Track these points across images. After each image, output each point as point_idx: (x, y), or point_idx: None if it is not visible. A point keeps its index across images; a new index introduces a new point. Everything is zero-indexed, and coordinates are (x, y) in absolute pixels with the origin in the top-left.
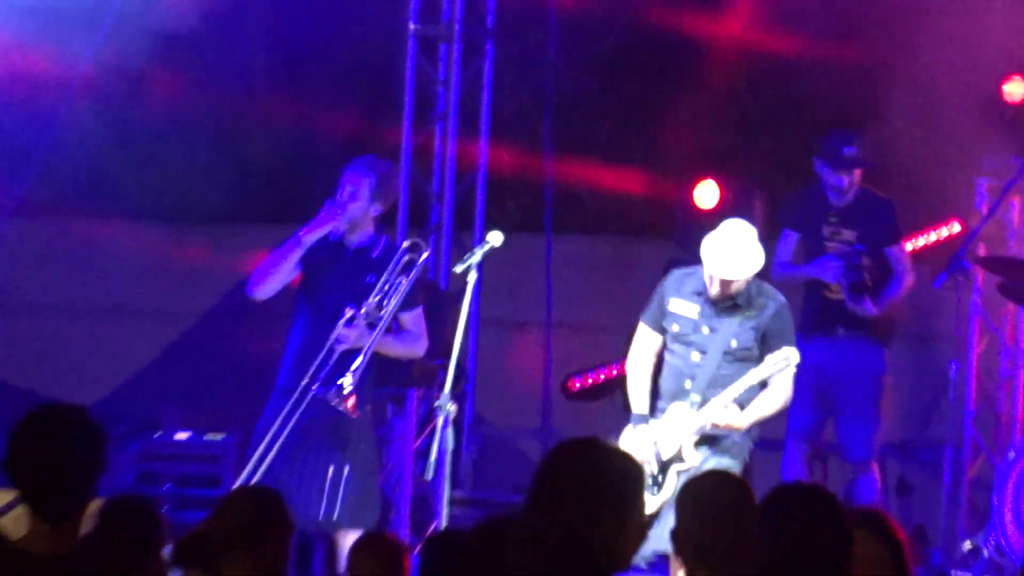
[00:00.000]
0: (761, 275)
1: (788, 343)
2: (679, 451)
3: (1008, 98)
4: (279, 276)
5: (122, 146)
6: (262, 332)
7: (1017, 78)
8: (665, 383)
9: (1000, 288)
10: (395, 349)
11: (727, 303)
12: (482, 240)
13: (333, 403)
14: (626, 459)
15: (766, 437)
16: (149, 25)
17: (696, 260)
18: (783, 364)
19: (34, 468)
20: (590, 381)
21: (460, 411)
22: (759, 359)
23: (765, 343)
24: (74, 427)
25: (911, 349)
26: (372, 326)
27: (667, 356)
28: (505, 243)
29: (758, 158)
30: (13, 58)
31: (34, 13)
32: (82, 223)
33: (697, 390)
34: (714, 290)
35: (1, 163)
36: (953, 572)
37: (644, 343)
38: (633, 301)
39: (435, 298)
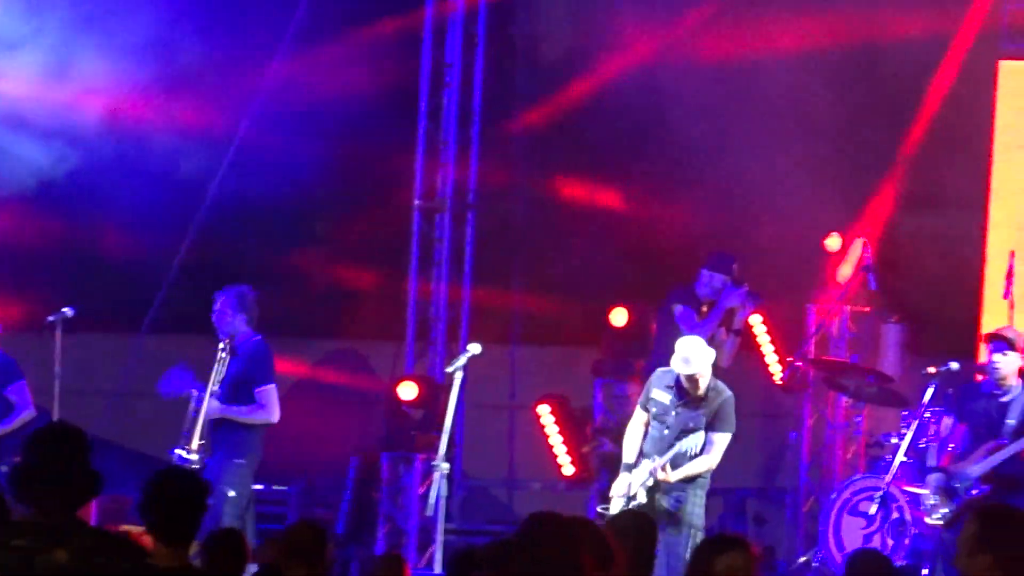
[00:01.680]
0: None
1: (727, 428)
2: (637, 491)
3: (827, 249)
4: None
5: None
6: None
7: (835, 235)
8: (646, 446)
9: (824, 381)
10: (242, 417)
11: (696, 395)
12: (465, 349)
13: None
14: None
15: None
16: None
17: (615, 365)
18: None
19: (163, 510)
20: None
21: (451, 467)
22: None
23: (711, 425)
24: (191, 483)
25: (764, 422)
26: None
27: (650, 430)
28: (483, 352)
29: (656, 290)
30: None
31: None
32: None
33: (659, 453)
34: (687, 384)
35: None
36: None
37: (638, 419)
38: (574, 390)
39: (433, 389)
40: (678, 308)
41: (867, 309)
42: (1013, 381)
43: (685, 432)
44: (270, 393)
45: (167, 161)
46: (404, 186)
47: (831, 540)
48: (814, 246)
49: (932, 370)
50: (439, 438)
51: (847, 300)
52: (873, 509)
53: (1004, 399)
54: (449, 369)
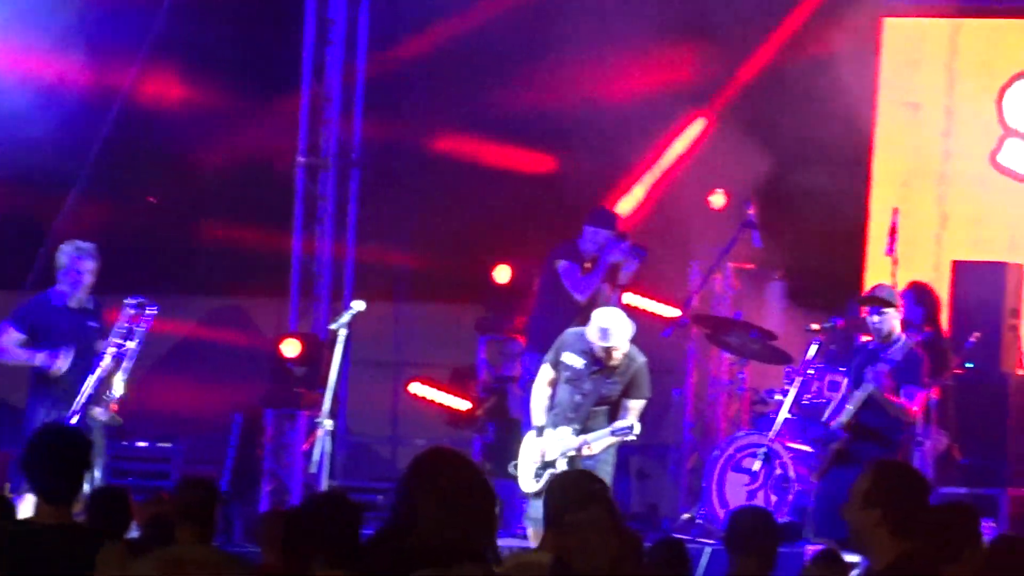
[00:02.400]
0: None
1: (642, 395)
2: (556, 459)
3: (712, 206)
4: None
5: None
6: None
7: (719, 191)
8: (563, 411)
9: (707, 337)
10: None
11: (610, 365)
12: (349, 307)
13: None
14: (466, 464)
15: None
16: None
17: (498, 321)
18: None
19: (45, 468)
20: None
21: (335, 424)
22: (618, 401)
23: (626, 392)
24: (72, 441)
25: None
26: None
27: (560, 391)
28: (367, 308)
29: (539, 248)
30: None
31: None
32: None
33: (578, 421)
34: (602, 355)
35: None
36: (676, 535)
37: (544, 377)
38: (456, 347)
39: (316, 346)
40: (562, 264)
41: (751, 266)
42: (895, 335)
43: (602, 401)
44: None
45: (49, 119)
46: (289, 143)
47: (714, 496)
48: (698, 202)
49: (815, 327)
50: (323, 395)
51: (731, 257)
52: (757, 465)
53: (886, 354)
54: (333, 326)
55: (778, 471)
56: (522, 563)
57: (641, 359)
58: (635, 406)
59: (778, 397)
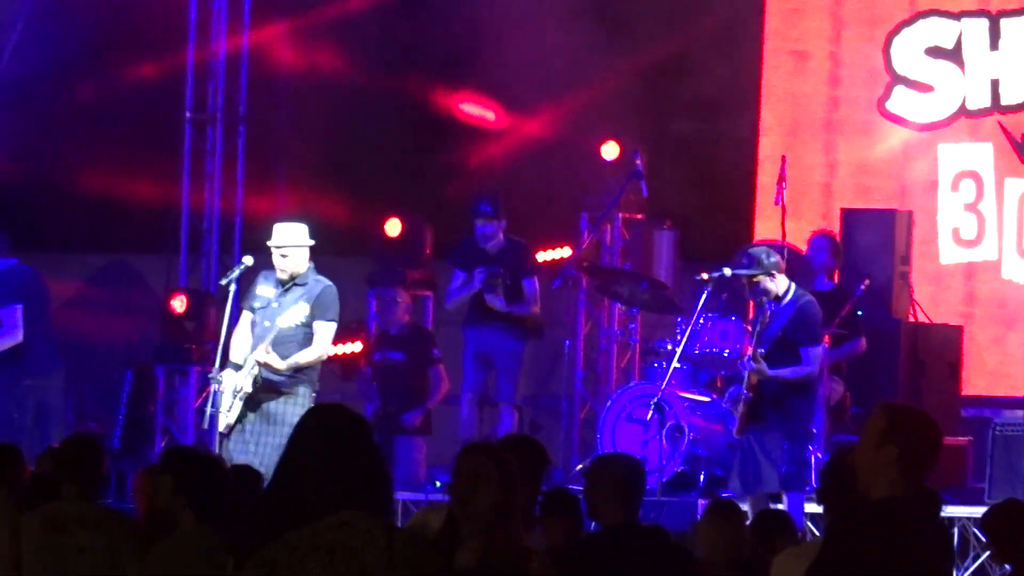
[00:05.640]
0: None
1: (329, 317)
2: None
3: (604, 156)
4: None
5: None
6: None
7: (611, 142)
8: (253, 343)
9: (597, 288)
10: None
11: (289, 284)
12: (240, 262)
13: None
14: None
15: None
16: None
17: (388, 274)
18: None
19: None
20: None
21: None
22: (309, 324)
23: (312, 313)
24: None
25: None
26: None
27: (252, 326)
28: (256, 263)
29: (429, 201)
30: None
31: None
32: None
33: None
34: (278, 265)
35: None
36: (569, 487)
37: (244, 320)
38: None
39: (204, 301)
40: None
41: (639, 216)
42: (780, 292)
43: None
44: (13, 313)
45: None
46: (175, 98)
47: (607, 447)
48: (587, 152)
49: (704, 276)
50: (214, 350)
51: (620, 207)
52: (649, 416)
53: (777, 308)
54: (223, 282)
55: (670, 421)
56: (428, 516)
57: (328, 282)
58: (322, 328)
59: (669, 347)
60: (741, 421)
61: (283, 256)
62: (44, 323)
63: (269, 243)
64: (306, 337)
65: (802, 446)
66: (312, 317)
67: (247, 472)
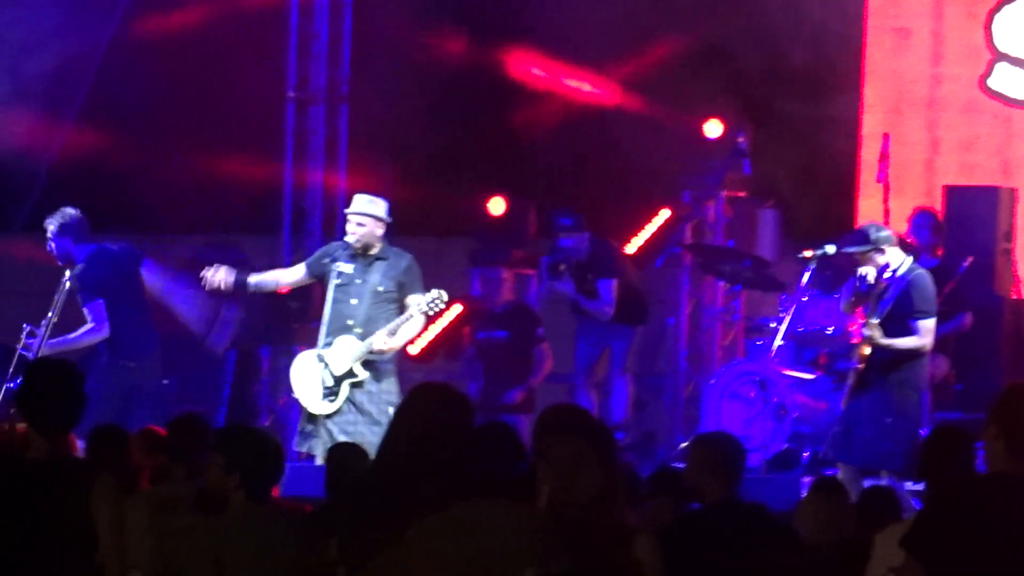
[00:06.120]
0: None
1: (418, 289)
2: (350, 369)
3: (707, 134)
4: None
5: None
6: None
7: (715, 120)
8: (331, 322)
9: (701, 266)
10: (76, 346)
11: (371, 260)
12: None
13: None
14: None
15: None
16: None
17: (492, 253)
18: (431, 306)
19: (39, 400)
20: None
21: None
22: (399, 300)
23: (402, 289)
24: (65, 373)
25: None
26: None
27: (332, 302)
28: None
29: (532, 181)
30: None
31: None
32: None
33: (359, 325)
34: (351, 238)
35: None
36: (673, 464)
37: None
38: (447, 280)
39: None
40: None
41: (743, 194)
42: (895, 265)
43: (377, 297)
44: (98, 308)
45: (38, 61)
46: (278, 79)
47: (711, 426)
48: (690, 130)
49: (808, 254)
50: (319, 329)
51: (723, 185)
52: (752, 394)
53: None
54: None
55: (774, 399)
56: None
57: (410, 255)
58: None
59: (772, 325)
60: (848, 393)
61: (359, 225)
62: (134, 305)
63: (347, 210)
64: (393, 312)
65: (906, 423)
66: (402, 291)
67: (352, 450)
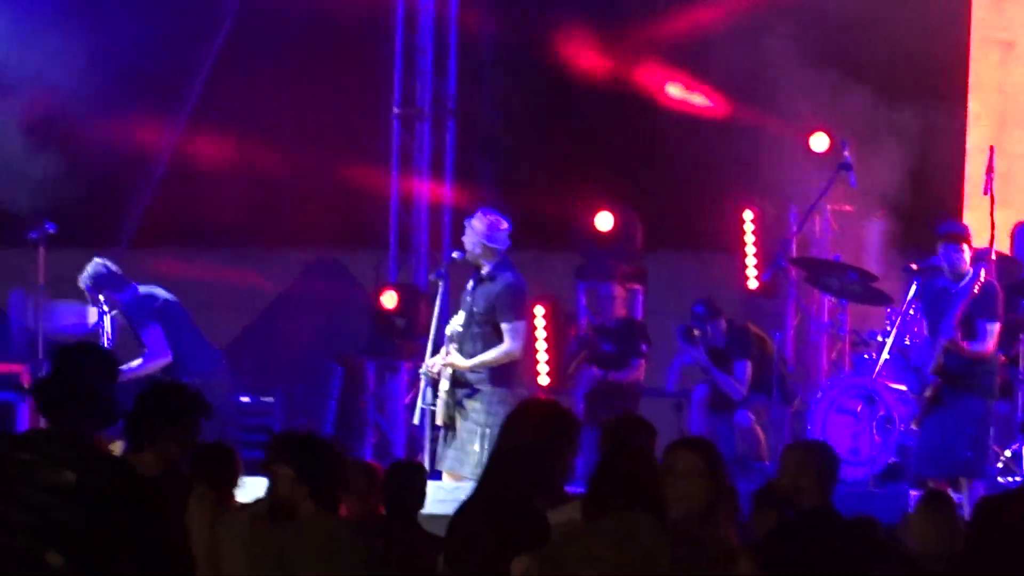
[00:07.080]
0: None
1: (506, 318)
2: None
3: (813, 147)
4: None
5: None
6: None
7: (821, 133)
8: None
9: (807, 280)
10: (141, 373)
11: (484, 279)
12: (449, 257)
13: None
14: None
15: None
16: None
17: (599, 268)
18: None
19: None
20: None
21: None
22: (493, 323)
23: (492, 312)
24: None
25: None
26: None
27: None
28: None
29: (640, 195)
30: None
31: None
32: None
33: (456, 340)
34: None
35: None
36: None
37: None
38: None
39: (414, 296)
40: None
41: (848, 208)
42: (966, 271)
43: (472, 317)
44: (156, 334)
45: (142, 70)
46: (383, 94)
47: (819, 439)
48: (796, 143)
49: (915, 267)
50: (424, 346)
51: (828, 199)
52: (860, 407)
53: (957, 288)
54: (432, 276)
55: (881, 412)
56: None
57: (509, 278)
58: (507, 329)
59: (879, 338)
60: (926, 406)
61: (463, 234)
62: (188, 331)
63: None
64: (488, 334)
65: (985, 431)
66: (492, 316)
67: (410, 467)
